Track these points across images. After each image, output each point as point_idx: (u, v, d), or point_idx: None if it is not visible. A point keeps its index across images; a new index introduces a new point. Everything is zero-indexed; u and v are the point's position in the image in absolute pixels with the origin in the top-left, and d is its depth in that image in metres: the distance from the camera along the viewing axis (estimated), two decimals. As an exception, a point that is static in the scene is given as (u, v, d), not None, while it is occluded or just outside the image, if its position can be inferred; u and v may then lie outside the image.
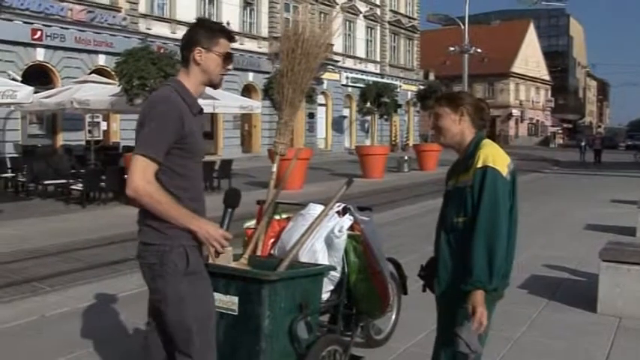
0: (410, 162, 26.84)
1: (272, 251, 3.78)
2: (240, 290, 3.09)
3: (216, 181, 16.83)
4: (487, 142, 2.92)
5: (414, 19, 52.66)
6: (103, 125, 24.79)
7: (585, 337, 5.13)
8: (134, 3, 27.17)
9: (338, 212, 3.71)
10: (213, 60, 2.84)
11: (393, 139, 46.38)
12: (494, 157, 2.82)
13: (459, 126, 2.95)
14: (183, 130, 2.71)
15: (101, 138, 24.22)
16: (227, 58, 2.89)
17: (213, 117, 29.43)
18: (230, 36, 2.91)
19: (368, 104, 25.34)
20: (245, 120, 34.18)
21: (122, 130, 25.51)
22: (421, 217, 11.40)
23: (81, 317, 5.60)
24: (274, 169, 3.76)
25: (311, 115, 38.38)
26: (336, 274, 3.59)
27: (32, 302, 6.27)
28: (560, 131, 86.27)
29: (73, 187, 14.65)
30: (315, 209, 3.73)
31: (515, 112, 74.66)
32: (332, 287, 3.62)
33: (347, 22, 42.75)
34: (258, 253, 3.58)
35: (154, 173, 2.66)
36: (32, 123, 24.19)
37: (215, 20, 24.38)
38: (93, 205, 14.01)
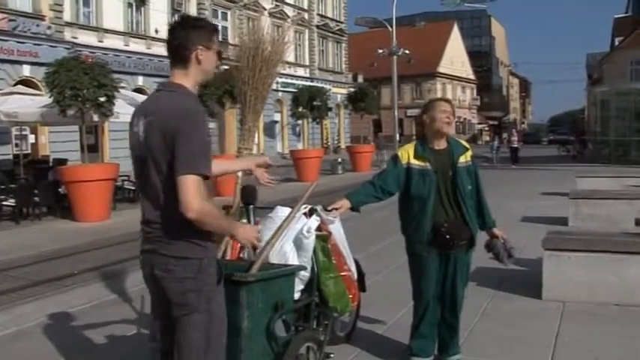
0: (344, 164, 27.11)
1: (241, 255, 3.84)
2: (218, 293, 3.15)
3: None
4: None
5: (342, 22, 53.22)
6: (31, 138, 24.12)
7: (534, 322, 5.40)
8: (59, 11, 26.38)
9: (305, 214, 3.80)
10: (211, 58, 2.82)
11: (325, 142, 46.74)
12: None
13: None
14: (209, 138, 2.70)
15: (29, 151, 23.55)
16: (220, 54, 2.88)
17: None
18: (217, 31, 2.92)
19: (300, 108, 25.52)
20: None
21: (52, 142, 24.73)
22: (361, 218, 11.52)
23: (31, 337, 5.46)
24: (240, 174, 3.81)
25: (243, 122, 38.17)
26: (306, 274, 3.68)
27: (-26, 325, 6.02)
28: (486, 128, 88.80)
29: (4, 203, 14.16)
30: (283, 212, 3.82)
31: (442, 111, 76.27)
32: (302, 287, 3.71)
33: (275, 27, 42.85)
34: (228, 257, 3.64)
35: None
36: (-48, 138, 23.24)
37: (144, 28, 24.16)
38: (27, 221, 13.56)
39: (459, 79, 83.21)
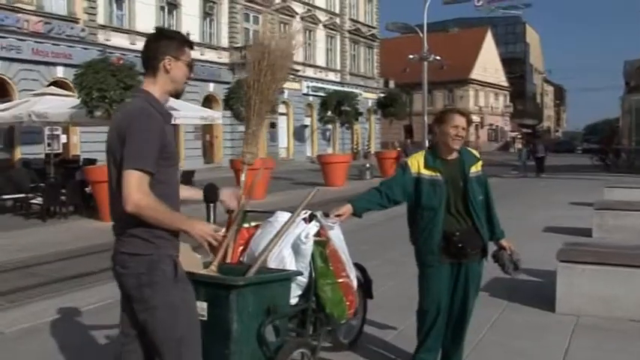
0: (372, 169, 27.01)
1: (241, 258, 3.85)
2: (209, 296, 3.17)
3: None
4: None
5: (374, 27, 53.22)
6: (63, 138, 24.47)
7: (545, 336, 5.30)
8: (92, 14, 26.90)
9: (305, 219, 3.79)
10: (181, 68, 2.93)
11: (355, 147, 46.67)
12: None
13: None
14: (164, 139, 2.78)
15: (61, 151, 23.90)
16: (191, 66, 3.00)
17: (174, 128, 29.27)
18: (192, 45, 3.05)
19: (329, 113, 25.49)
20: (206, 130, 34.07)
21: (82, 142, 25.17)
22: (382, 224, 11.49)
23: (44, 333, 5.52)
24: (243, 178, 3.82)
25: (272, 125, 38.42)
26: (303, 280, 3.67)
27: (-10, 319, 6.08)
28: (519, 136, 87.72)
29: (32, 201, 14.42)
30: (283, 217, 3.82)
31: (475, 118, 75.60)
32: (300, 292, 3.70)
33: (307, 32, 43.00)
34: (228, 260, 3.65)
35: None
36: (-13, 137, 23.81)
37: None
38: (54, 219, 13.81)
39: (492, 85, 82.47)
